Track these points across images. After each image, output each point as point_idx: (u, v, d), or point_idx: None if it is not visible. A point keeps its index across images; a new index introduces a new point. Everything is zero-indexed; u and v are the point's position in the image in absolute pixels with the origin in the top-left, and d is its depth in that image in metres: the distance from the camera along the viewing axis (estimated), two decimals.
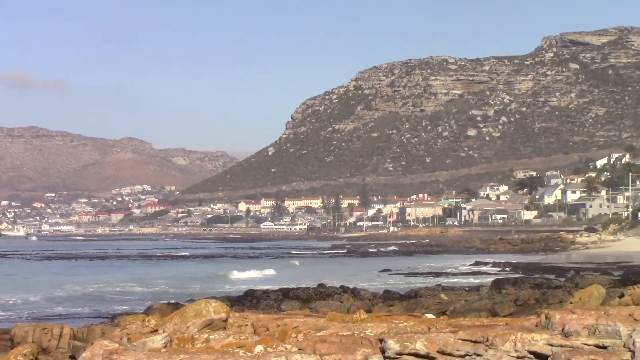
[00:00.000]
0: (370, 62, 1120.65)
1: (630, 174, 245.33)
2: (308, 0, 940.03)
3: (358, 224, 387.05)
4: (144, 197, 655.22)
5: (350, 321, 21.69)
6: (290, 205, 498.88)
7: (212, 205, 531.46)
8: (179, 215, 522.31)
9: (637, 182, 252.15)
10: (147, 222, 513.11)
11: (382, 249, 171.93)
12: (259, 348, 18.08)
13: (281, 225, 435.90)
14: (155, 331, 20.41)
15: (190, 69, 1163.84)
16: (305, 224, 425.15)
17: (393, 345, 16.96)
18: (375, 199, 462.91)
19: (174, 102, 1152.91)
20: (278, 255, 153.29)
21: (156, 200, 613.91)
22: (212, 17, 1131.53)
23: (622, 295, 32.79)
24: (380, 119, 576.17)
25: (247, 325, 21.54)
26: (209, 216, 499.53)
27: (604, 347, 16.15)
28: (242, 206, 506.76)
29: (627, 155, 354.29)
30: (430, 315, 25.42)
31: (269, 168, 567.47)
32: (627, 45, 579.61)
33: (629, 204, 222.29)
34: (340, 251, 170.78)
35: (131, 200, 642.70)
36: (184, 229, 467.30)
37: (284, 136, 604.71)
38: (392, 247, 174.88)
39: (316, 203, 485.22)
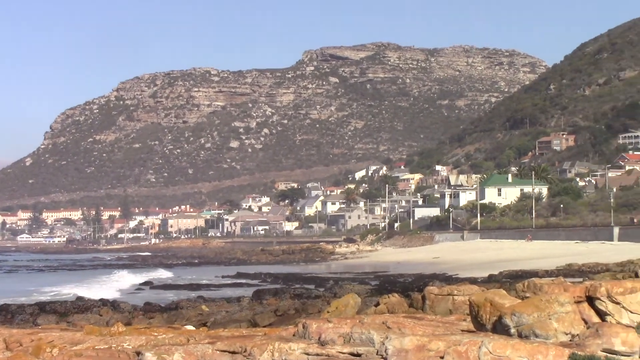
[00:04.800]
0: (132, 72, 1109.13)
1: (387, 185, 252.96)
2: (69, 6, 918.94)
3: (119, 235, 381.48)
4: None
5: (108, 334, 21.29)
6: (49, 217, 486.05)
7: None
8: None
9: (394, 194, 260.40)
10: None
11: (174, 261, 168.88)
12: None
13: (39, 237, 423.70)
14: None
15: None
16: (64, 236, 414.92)
17: (150, 358, 16.77)
18: (137, 211, 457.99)
19: None
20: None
21: None
22: None
23: (378, 304, 33.67)
24: (142, 129, 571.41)
25: None
26: None
27: (358, 355, 16.50)
28: None
29: (384, 168, 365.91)
30: (190, 327, 25.30)
31: (27, 179, 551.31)
32: (384, 61, 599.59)
33: (385, 215, 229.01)
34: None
35: None
36: None
37: (42, 146, 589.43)
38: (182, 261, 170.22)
39: (76, 215, 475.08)
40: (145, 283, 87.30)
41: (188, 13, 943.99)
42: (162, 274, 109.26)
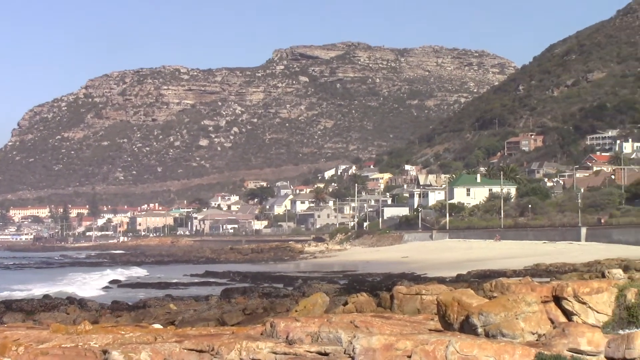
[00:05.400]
0: (101, 70, 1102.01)
1: (356, 185, 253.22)
2: (37, 3, 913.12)
3: (87, 233, 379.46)
4: None
5: (74, 333, 21.20)
6: (16, 214, 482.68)
7: None
8: None
9: (363, 193, 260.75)
10: None
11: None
12: None
13: (6, 235, 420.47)
14: None
15: None
16: (31, 234, 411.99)
17: (117, 356, 16.71)
18: (105, 209, 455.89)
19: None
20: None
21: None
22: None
23: (346, 303, 33.74)
24: (111, 127, 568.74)
25: None
26: None
27: (326, 354, 16.51)
28: None
29: (354, 167, 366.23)
30: (157, 326, 25.25)
31: None
32: (354, 60, 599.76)
33: (355, 215, 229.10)
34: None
35: None
36: None
37: (9, 143, 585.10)
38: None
39: (44, 212, 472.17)
40: (114, 281, 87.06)
41: (158, 11, 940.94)
42: (137, 272, 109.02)
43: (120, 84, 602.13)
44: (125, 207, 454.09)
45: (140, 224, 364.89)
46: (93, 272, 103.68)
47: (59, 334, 20.63)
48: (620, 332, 16.86)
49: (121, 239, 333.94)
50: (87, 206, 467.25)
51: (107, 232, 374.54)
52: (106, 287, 79.80)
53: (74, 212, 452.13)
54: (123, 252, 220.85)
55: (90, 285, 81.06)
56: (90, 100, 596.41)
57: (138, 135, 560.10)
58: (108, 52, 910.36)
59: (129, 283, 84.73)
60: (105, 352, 17.24)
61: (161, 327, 24.87)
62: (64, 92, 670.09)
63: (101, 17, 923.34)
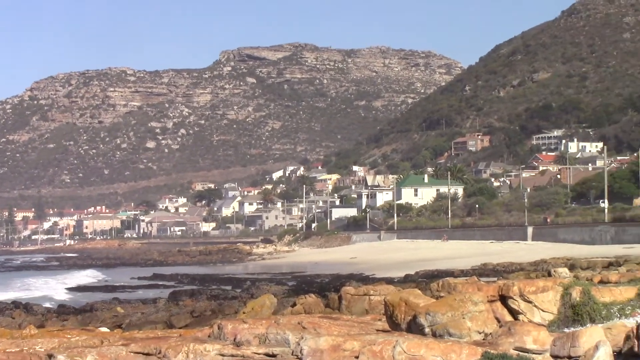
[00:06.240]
0: (46, 72, 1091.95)
1: (304, 186, 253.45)
2: None
3: (33, 237, 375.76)
4: None
5: (19, 337, 20.97)
6: None
7: None
8: None
9: (311, 194, 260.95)
10: None
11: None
12: None
13: None
14: None
15: None
16: None
17: None
18: (51, 212, 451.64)
19: None
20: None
21: None
22: None
23: (294, 304, 33.74)
24: (56, 130, 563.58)
25: None
26: None
27: (274, 356, 16.49)
28: None
29: (302, 168, 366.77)
30: (104, 329, 25.04)
31: None
32: (301, 62, 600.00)
33: (303, 216, 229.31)
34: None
35: None
36: None
37: None
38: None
39: None
40: (66, 285, 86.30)
41: (103, 12, 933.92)
42: (96, 275, 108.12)
43: (66, 85, 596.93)
44: (72, 210, 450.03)
45: (87, 227, 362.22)
46: (47, 277, 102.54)
47: (3, 339, 20.39)
48: (566, 330, 17.03)
49: (67, 242, 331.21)
50: (33, 209, 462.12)
51: (53, 236, 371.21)
52: (56, 291, 78.96)
53: (19, 216, 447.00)
54: (73, 255, 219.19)
55: (49, 289, 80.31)
56: (35, 102, 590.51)
57: (84, 137, 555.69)
58: (53, 53, 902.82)
59: (76, 286, 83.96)
60: (50, 356, 17.06)
61: (108, 330, 24.67)
62: (8, 94, 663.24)
63: (45, 18, 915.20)
